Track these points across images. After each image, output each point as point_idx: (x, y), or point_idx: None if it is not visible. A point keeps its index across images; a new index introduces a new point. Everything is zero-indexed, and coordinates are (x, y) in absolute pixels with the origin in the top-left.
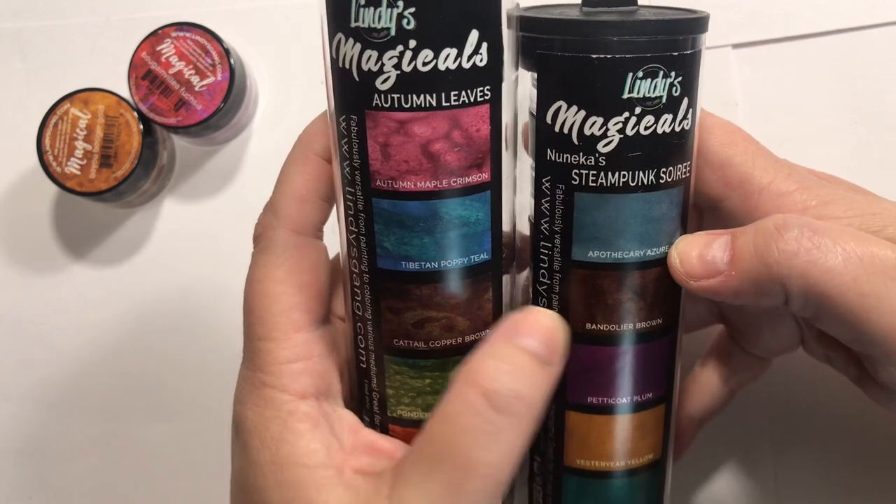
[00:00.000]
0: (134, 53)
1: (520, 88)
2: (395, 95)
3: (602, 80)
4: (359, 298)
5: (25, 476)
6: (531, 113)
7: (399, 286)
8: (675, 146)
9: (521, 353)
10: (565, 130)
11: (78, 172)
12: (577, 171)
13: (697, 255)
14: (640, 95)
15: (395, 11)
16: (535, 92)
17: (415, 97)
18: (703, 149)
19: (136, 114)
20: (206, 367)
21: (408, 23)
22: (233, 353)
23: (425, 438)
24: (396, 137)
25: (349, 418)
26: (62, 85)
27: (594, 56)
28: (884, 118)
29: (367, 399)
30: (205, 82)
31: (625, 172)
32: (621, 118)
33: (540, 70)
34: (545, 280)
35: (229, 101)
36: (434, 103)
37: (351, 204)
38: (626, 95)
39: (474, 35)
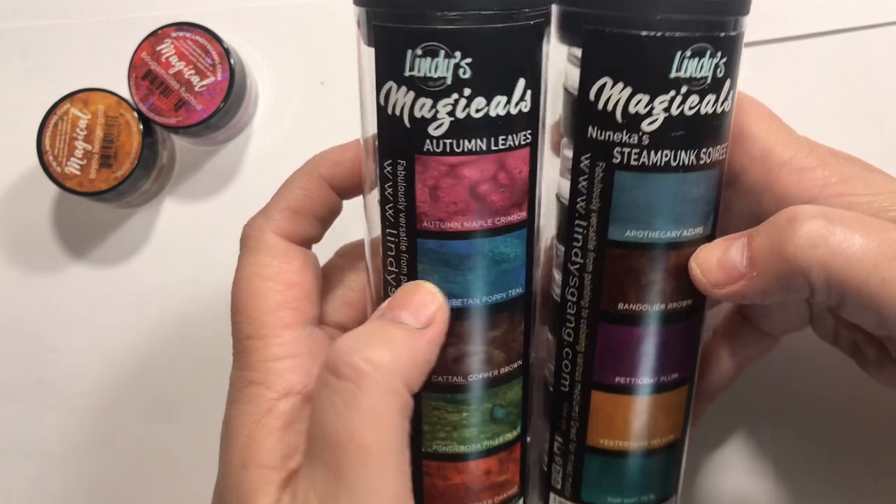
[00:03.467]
0: (134, 53)
1: (552, 65)
2: (448, 140)
3: (651, 57)
4: None
5: (25, 476)
6: (566, 90)
7: None
8: (715, 127)
9: (376, 323)
10: (609, 108)
11: (78, 172)
12: (619, 150)
13: (717, 262)
14: (687, 75)
15: (453, 62)
16: (572, 69)
17: (466, 142)
18: None
19: (136, 114)
20: (206, 367)
21: (464, 73)
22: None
23: (307, 434)
24: (446, 180)
25: None
26: (62, 85)
27: (644, 34)
28: (884, 118)
29: None
30: (205, 82)
31: (667, 152)
32: (667, 97)
33: (586, 46)
34: (578, 259)
35: (229, 101)
36: (484, 147)
37: (392, 245)
38: (673, 74)
39: (521, 83)
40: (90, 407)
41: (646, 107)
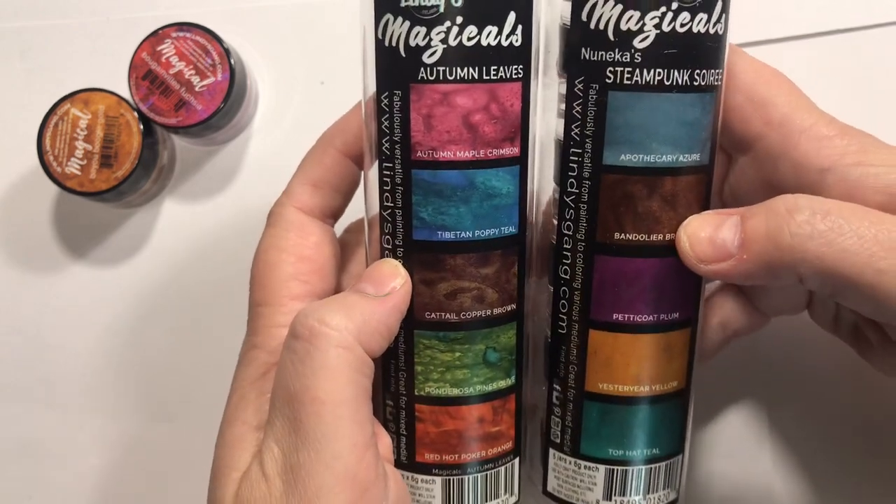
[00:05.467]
0: (134, 54)
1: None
2: (441, 68)
3: None
4: None
5: (25, 476)
6: (562, 27)
7: (434, 257)
8: (708, 48)
9: (339, 294)
10: (601, 26)
11: (78, 172)
12: (611, 69)
13: (707, 237)
14: None
15: None
16: (565, 3)
17: (459, 69)
18: (748, 87)
19: (136, 114)
20: (207, 366)
21: (456, 0)
22: (233, 352)
23: (272, 390)
24: (440, 108)
25: None
26: (62, 85)
27: None
28: (884, 118)
29: (392, 381)
30: (205, 82)
31: (660, 70)
32: (658, 13)
33: None
34: (573, 189)
35: (229, 101)
36: (476, 76)
37: (388, 179)
38: None
39: (512, 16)
40: (90, 407)
41: (637, 23)
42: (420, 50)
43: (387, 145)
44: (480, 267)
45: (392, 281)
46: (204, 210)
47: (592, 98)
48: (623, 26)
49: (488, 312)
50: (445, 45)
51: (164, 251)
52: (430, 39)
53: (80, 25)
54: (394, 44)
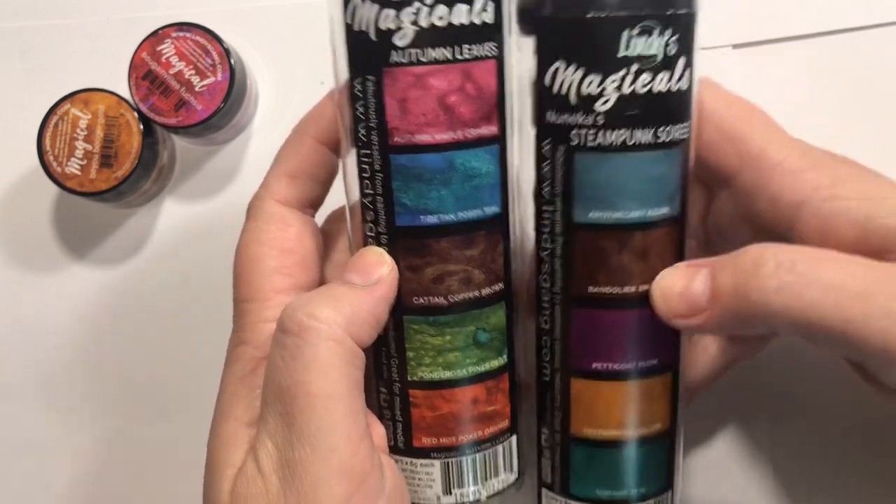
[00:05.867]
0: (134, 54)
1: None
2: (413, 50)
3: (598, 38)
4: None
5: (25, 476)
6: (533, 84)
7: (418, 242)
8: (672, 105)
9: (325, 286)
10: (563, 91)
11: (78, 172)
12: (575, 132)
13: (679, 293)
14: (636, 53)
15: None
16: (533, 60)
17: (431, 50)
18: (722, 122)
19: (136, 114)
20: (207, 366)
21: None
22: None
23: (263, 386)
24: (414, 91)
25: None
26: (62, 85)
27: (591, 15)
28: (884, 118)
29: (384, 368)
30: (205, 82)
31: (623, 131)
32: (618, 76)
33: (538, 33)
34: (548, 245)
35: (229, 101)
36: (449, 56)
37: (367, 166)
38: (621, 53)
39: None
40: (90, 407)
41: (598, 87)
42: (390, 33)
43: (363, 132)
44: (465, 249)
45: (378, 269)
46: (204, 210)
47: (559, 159)
48: (584, 91)
49: (476, 294)
50: (416, 27)
51: (164, 251)
52: (401, 21)
53: (80, 25)
54: (363, 28)
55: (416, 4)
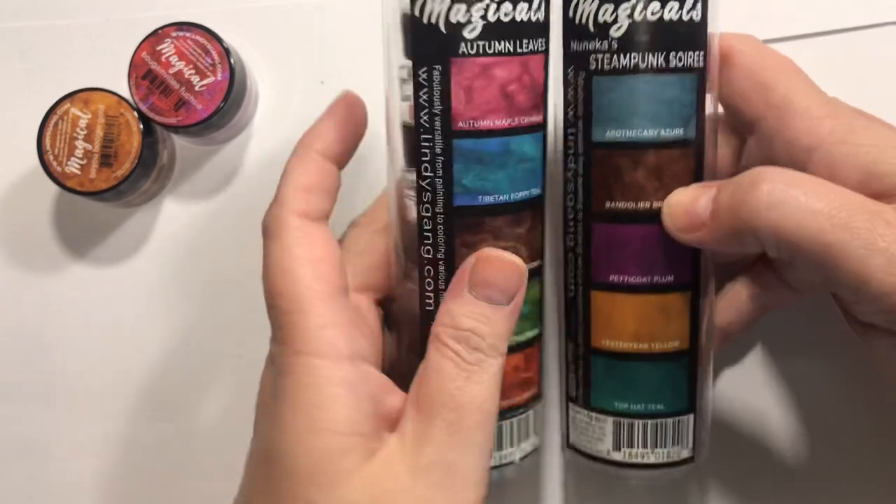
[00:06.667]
0: (134, 53)
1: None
2: (481, 42)
3: None
4: (429, 241)
5: (25, 476)
6: (561, 23)
7: (475, 220)
8: (682, 33)
9: (476, 302)
10: (583, 21)
11: (78, 172)
12: (594, 56)
13: (684, 209)
14: None
15: None
16: None
17: (497, 44)
18: (753, 72)
19: (136, 113)
20: (207, 366)
21: None
22: (233, 352)
23: (419, 394)
24: (480, 81)
25: (383, 381)
26: (62, 85)
27: None
28: (884, 118)
29: None
30: (205, 82)
31: (635, 54)
32: (629, 4)
33: None
34: (572, 164)
35: (229, 100)
36: (511, 49)
37: (427, 150)
38: None
39: None
40: (90, 407)
41: (612, 14)
42: (461, 26)
43: (426, 118)
44: (515, 227)
45: (518, 291)
46: (204, 210)
47: (581, 83)
48: (600, 18)
49: None
50: (485, 21)
51: (163, 251)
52: (471, 16)
53: (80, 25)
54: (433, 21)
55: (486, 1)
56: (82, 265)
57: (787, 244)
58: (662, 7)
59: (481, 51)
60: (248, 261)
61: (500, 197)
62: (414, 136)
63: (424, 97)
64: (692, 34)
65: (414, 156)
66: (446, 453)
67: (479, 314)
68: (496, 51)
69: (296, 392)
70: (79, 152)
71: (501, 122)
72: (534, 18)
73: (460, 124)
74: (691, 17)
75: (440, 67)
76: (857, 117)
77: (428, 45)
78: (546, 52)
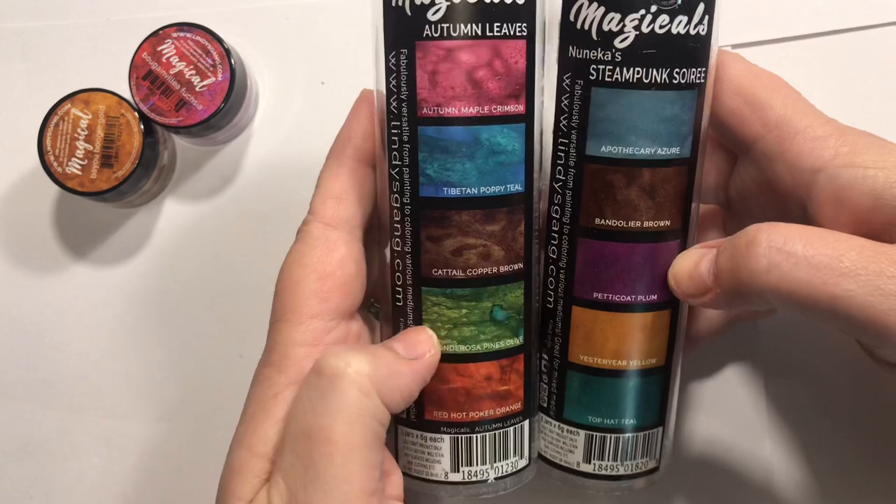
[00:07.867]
0: (135, 54)
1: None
2: (445, 25)
3: None
4: (398, 233)
5: (25, 476)
6: (559, 24)
7: (440, 213)
8: (689, 49)
9: (369, 346)
10: (586, 27)
11: (79, 172)
12: (594, 66)
13: (688, 274)
14: None
15: None
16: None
17: (462, 26)
18: (745, 90)
19: (136, 114)
20: (207, 367)
21: None
22: (233, 353)
23: (285, 422)
24: (444, 65)
25: None
26: (63, 85)
27: None
28: (884, 118)
29: None
30: (205, 82)
31: (639, 69)
32: (637, 15)
33: None
34: (561, 176)
35: (230, 101)
36: (479, 32)
37: (396, 137)
38: None
39: None
40: (90, 407)
41: (618, 24)
42: (424, 8)
43: (394, 104)
44: (486, 224)
45: (423, 348)
46: (204, 210)
47: (578, 93)
48: (605, 27)
49: (494, 270)
50: (449, 3)
51: (164, 251)
52: None
53: (80, 25)
54: (400, 3)
55: None
56: (83, 265)
57: (795, 303)
58: (671, 20)
59: (445, 34)
60: (249, 260)
61: (468, 190)
62: (385, 123)
63: (394, 83)
64: (697, 49)
65: (386, 144)
66: (298, 492)
67: (363, 352)
68: (462, 34)
69: (249, 402)
70: (79, 153)
71: (468, 110)
72: (508, 0)
73: (425, 111)
74: (698, 32)
75: (406, 52)
76: (859, 135)
77: (396, 29)
78: (529, 37)
